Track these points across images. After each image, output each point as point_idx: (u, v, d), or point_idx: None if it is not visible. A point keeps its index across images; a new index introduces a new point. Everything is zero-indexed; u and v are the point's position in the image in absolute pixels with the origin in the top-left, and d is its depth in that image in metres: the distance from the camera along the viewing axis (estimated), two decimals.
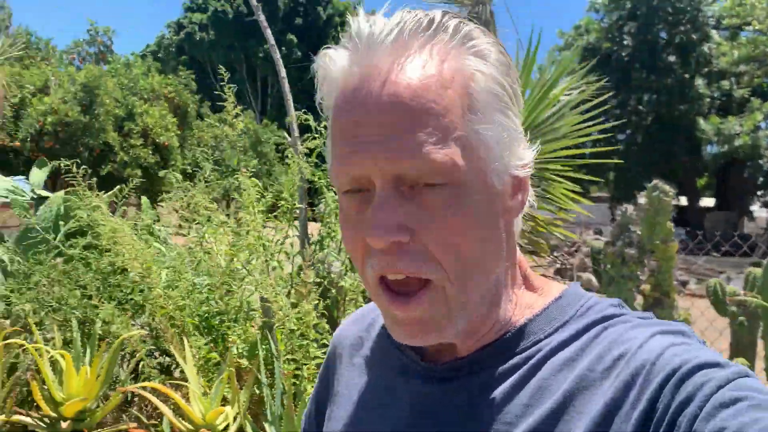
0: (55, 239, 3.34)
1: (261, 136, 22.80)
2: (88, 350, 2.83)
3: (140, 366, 2.83)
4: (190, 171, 4.28)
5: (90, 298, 2.99)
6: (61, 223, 3.49)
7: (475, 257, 0.60)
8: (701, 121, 24.72)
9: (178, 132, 16.19)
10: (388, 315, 0.63)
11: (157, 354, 3.04)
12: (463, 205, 0.58)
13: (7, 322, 3.01)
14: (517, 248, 0.70)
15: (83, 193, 3.10)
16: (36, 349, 2.63)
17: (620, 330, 0.62)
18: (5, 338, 2.81)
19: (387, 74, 0.57)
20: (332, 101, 0.61)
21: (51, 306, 3.03)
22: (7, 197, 3.62)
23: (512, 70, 0.64)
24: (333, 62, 0.61)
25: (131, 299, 3.09)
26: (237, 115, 3.44)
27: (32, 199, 3.87)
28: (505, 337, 0.66)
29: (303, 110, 3.30)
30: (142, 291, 3.00)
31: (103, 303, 2.96)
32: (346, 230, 0.63)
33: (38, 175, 4.11)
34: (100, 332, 2.88)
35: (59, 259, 3.27)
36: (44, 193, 4.02)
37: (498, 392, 0.63)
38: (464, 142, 0.58)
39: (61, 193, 3.64)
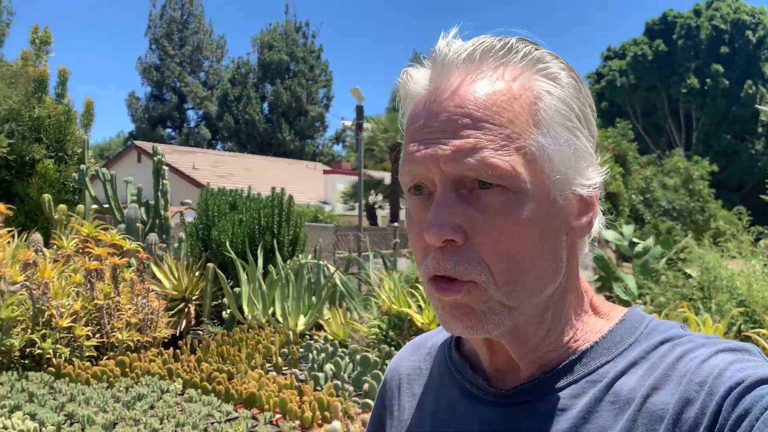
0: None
1: (692, 173, 23.66)
2: None
3: None
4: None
5: None
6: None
7: (525, 266, 0.62)
8: None
9: (622, 180, 18.84)
10: (437, 304, 0.65)
11: None
12: (520, 211, 0.60)
13: None
14: (582, 275, 0.71)
15: None
16: None
17: (686, 348, 0.62)
18: None
19: (457, 88, 0.62)
20: (408, 111, 0.67)
21: None
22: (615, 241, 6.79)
23: (583, 95, 0.67)
24: (412, 80, 0.67)
25: None
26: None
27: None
28: (570, 359, 0.66)
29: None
30: None
31: None
32: (410, 230, 0.66)
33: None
34: None
35: None
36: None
37: (570, 415, 0.63)
38: (527, 152, 0.61)
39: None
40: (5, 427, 2.84)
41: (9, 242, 5.04)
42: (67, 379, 3.95)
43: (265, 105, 43.89)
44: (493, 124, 0.60)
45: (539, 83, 0.63)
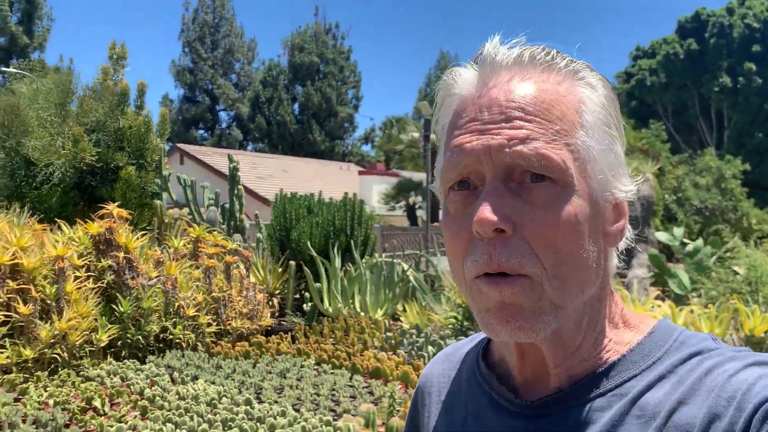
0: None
1: (724, 172, 23.96)
2: None
3: None
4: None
5: None
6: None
7: (573, 261, 0.62)
8: None
9: (656, 180, 19.27)
10: (482, 302, 0.64)
11: None
12: (567, 206, 0.61)
13: None
14: (612, 286, 0.71)
15: None
16: None
17: (715, 362, 0.62)
18: None
19: (507, 84, 0.64)
20: (451, 112, 0.68)
21: None
22: None
23: (615, 107, 0.69)
24: (459, 78, 0.69)
25: None
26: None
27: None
28: (598, 371, 0.67)
29: None
30: None
31: None
32: (449, 228, 0.65)
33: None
34: None
35: None
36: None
37: (595, 429, 0.63)
38: (574, 149, 0.63)
39: None
40: (196, 391, 3.62)
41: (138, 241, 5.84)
42: (220, 356, 4.75)
43: (296, 106, 44.85)
44: (544, 119, 0.62)
45: (581, 89, 0.66)
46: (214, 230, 6.87)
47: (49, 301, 4.77)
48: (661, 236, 7.58)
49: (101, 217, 5.71)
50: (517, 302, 0.61)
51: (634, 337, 0.69)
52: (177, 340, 5.33)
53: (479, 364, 0.79)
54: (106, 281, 5.25)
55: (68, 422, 3.26)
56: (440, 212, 0.69)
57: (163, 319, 5.36)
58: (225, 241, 6.60)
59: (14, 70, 25.13)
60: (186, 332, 5.38)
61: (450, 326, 6.04)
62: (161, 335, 5.35)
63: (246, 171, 26.23)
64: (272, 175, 26.72)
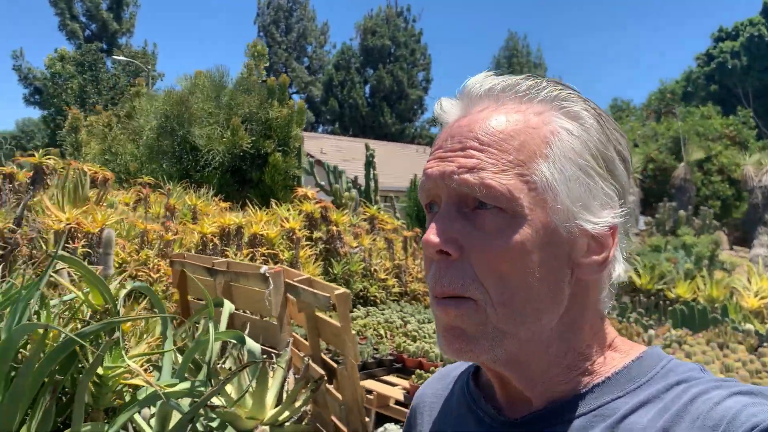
0: None
1: None
2: None
3: None
4: None
5: None
6: None
7: (518, 289, 0.64)
8: None
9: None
10: (437, 322, 0.68)
11: None
12: (515, 235, 0.63)
13: None
14: (603, 313, 0.72)
15: None
16: None
17: (700, 390, 0.63)
18: None
19: (475, 116, 0.69)
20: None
21: None
22: None
23: (608, 138, 0.69)
24: (444, 110, 0.74)
25: None
26: None
27: None
28: (582, 392, 0.68)
29: None
30: None
31: None
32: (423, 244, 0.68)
33: None
34: None
35: None
36: None
37: None
38: (529, 180, 0.65)
39: None
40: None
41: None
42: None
43: (367, 89, 46.21)
44: (497, 149, 0.65)
45: (559, 120, 0.68)
46: (387, 211, 8.24)
47: (286, 264, 6.22)
48: None
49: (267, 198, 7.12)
50: (460, 325, 0.65)
51: (621, 361, 0.70)
52: (372, 297, 6.73)
53: (469, 384, 0.81)
54: (318, 249, 6.68)
55: None
56: None
57: (362, 280, 6.78)
58: (392, 219, 7.98)
59: (124, 58, 27.24)
60: (379, 291, 6.78)
61: None
62: (360, 293, 6.77)
63: (332, 153, 27.81)
64: (355, 158, 28.19)
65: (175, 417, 2.24)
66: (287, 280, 3.08)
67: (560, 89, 0.69)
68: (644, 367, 0.68)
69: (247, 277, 3.29)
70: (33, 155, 5.07)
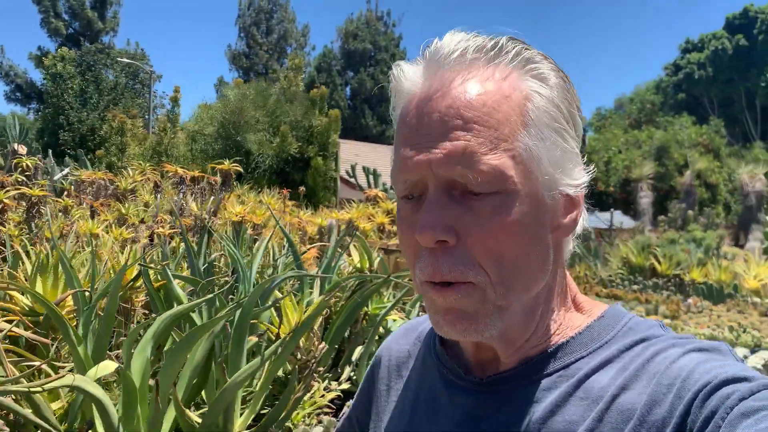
0: None
1: None
2: None
3: None
4: None
5: None
6: None
7: (517, 266, 0.65)
8: None
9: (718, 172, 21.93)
10: (431, 305, 0.67)
11: None
12: (510, 213, 0.63)
13: None
14: (566, 271, 0.75)
15: None
16: None
17: (658, 348, 0.65)
18: None
19: (448, 88, 0.64)
20: (399, 111, 0.70)
21: None
22: None
23: (570, 95, 0.69)
24: (404, 76, 0.69)
25: None
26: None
27: None
28: (548, 352, 0.70)
29: None
30: None
31: None
32: (402, 232, 0.68)
33: None
34: None
35: None
36: None
37: (540, 407, 0.67)
38: (515, 154, 0.63)
39: None
40: None
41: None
42: None
43: (348, 91, 47.62)
44: (484, 125, 0.62)
45: (529, 83, 0.66)
46: None
47: None
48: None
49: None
50: (461, 306, 0.65)
51: (584, 321, 0.72)
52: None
53: (435, 342, 0.83)
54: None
55: None
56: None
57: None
58: None
59: (127, 60, 28.06)
60: None
61: (618, 278, 8.85)
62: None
63: None
64: (347, 159, 29.61)
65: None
66: None
67: (524, 48, 0.68)
68: (606, 326, 0.71)
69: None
70: (222, 163, 6.38)
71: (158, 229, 4.60)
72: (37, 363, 2.41)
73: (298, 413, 3.13)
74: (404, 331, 0.93)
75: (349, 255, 4.24)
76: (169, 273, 2.74)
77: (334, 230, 4.73)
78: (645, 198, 15.47)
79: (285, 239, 3.97)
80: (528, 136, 0.64)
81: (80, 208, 5.64)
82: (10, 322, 2.46)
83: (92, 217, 5.24)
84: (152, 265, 3.12)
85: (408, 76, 0.69)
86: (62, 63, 26.88)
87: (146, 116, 24.10)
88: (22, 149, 8.01)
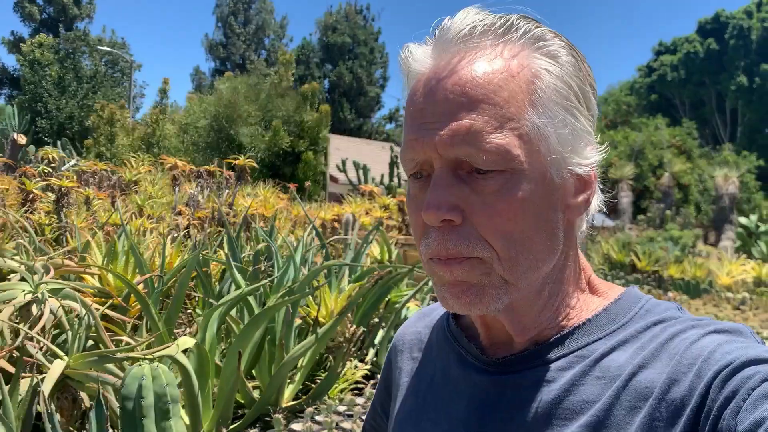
0: None
1: (740, 166, 27.45)
2: None
3: None
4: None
5: None
6: None
7: (524, 243, 0.64)
8: None
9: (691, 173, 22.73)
10: (438, 280, 0.67)
11: None
12: (516, 192, 0.63)
13: None
14: (580, 252, 0.74)
15: None
16: None
17: (677, 329, 0.65)
18: None
19: (455, 67, 0.64)
20: (408, 92, 0.69)
21: None
22: None
23: (583, 73, 0.68)
24: (413, 57, 0.69)
25: None
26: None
27: None
28: (563, 333, 0.70)
29: None
30: None
31: None
32: (410, 211, 0.69)
33: None
34: None
35: None
36: None
37: (556, 386, 0.67)
38: (522, 133, 0.63)
39: None
40: None
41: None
42: None
43: (326, 83, 47.77)
44: (489, 104, 0.62)
45: (538, 61, 0.65)
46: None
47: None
48: (743, 220, 11.50)
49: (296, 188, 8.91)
50: (467, 279, 0.65)
51: (601, 303, 0.72)
52: None
53: (450, 324, 0.84)
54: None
55: None
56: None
57: None
58: None
59: (107, 49, 27.83)
60: None
61: (601, 274, 9.37)
62: None
63: None
64: (329, 152, 29.86)
65: None
66: None
67: (535, 26, 0.67)
68: (623, 308, 0.70)
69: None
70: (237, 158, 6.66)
71: (188, 221, 4.90)
72: (122, 337, 2.72)
73: (335, 387, 3.49)
74: (417, 316, 0.94)
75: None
76: (231, 261, 3.07)
77: (350, 224, 5.08)
78: (626, 198, 16.20)
79: (313, 231, 4.31)
80: (536, 114, 0.64)
81: (98, 199, 5.89)
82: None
83: (113, 207, 5.50)
84: (212, 256, 3.43)
85: (417, 57, 0.69)
86: (40, 49, 26.58)
87: (127, 105, 24.00)
88: (22, 139, 8.18)
